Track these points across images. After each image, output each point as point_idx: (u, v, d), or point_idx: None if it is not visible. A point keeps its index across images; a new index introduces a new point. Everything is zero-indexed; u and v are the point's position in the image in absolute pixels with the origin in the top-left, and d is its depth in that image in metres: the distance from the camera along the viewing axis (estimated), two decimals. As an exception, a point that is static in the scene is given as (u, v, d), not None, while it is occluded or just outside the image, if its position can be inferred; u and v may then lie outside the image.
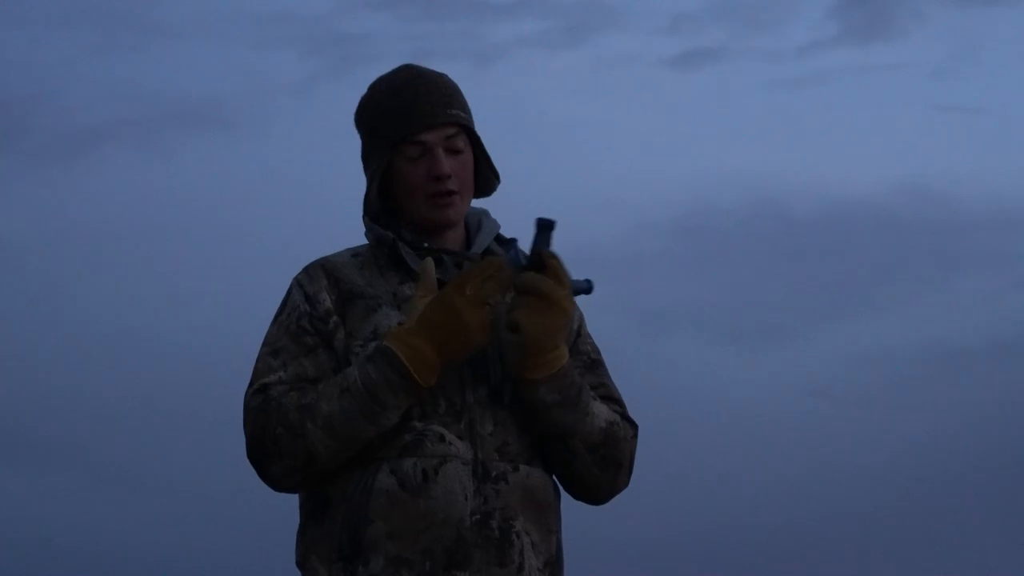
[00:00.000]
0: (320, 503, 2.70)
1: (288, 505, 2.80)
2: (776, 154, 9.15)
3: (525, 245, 2.69)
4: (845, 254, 9.03)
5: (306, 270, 2.80)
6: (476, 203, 2.85)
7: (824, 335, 8.74)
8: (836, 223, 9.06)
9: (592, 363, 2.84)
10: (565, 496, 2.81)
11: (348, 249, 2.83)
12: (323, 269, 2.78)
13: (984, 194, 8.98)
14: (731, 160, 9.13)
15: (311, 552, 2.70)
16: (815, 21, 9.86)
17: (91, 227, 8.57)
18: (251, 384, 2.72)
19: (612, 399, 2.82)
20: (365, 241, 2.84)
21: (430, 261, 2.71)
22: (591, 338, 2.87)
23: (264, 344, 2.75)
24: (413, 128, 2.75)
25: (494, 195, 2.88)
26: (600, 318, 2.90)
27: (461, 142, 2.78)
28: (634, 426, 2.82)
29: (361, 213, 2.82)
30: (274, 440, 2.65)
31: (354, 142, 2.86)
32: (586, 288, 2.70)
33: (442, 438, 2.67)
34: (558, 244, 2.68)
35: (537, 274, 2.64)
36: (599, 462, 2.75)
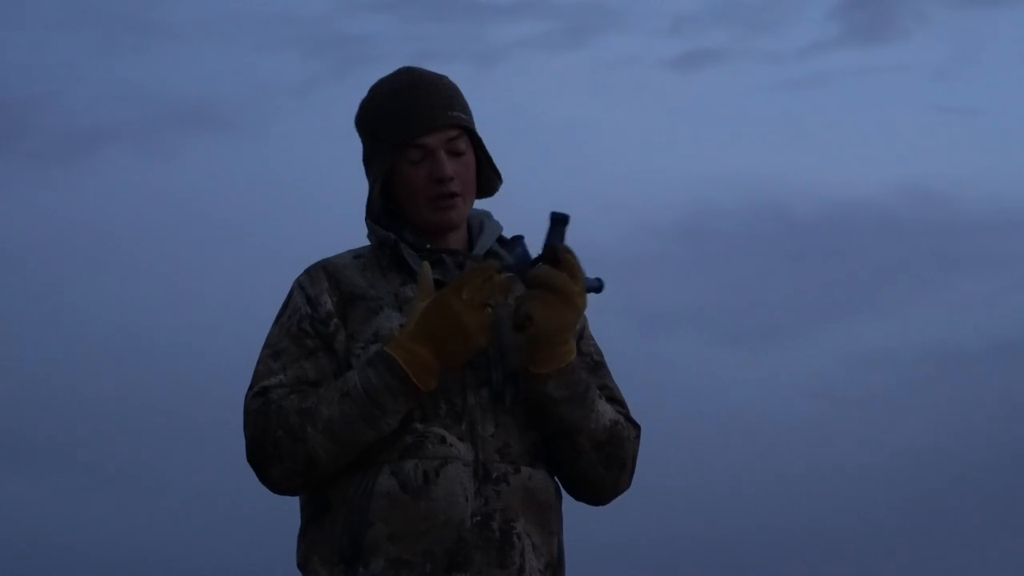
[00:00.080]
0: (321, 505, 2.70)
1: (289, 506, 2.80)
2: (777, 155, 9.15)
3: (538, 240, 2.69)
4: (846, 255, 9.03)
5: (307, 272, 2.79)
6: (478, 204, 2.85)
7: (825, 336, 8.74)
8: (837, 224, 9.06)
9: (595, 365, 2.83)
10: (566, 498, 2.81)
11: (350, 251, 2.83)
12: (324, 271, 2.78)
13: (985, 195, 8.98)
14: (732, 161, 9.12)
15: (312, 554, 2.69)
16: (816, 22, 9.86)
17: (91, 228, 8.57)
18: (251, 386, 2.71)
19: (615, 400, 2.82)
20: (366, 242, 2.84)
21: (427, 265, 2.71)
22: (593, 340, 2.87)
23: (265, 346, 2.75)
24: (414, 132, 2.75)
25: (496, 196, 2.88)
26: (601, 319, 2.90)
27: (463, 144, 2.78)
28: (636, 427, 2.82)
29: (363, 215, 2.82)
30: (274, 443, 2.65)
31: (355, 143, 2.86)
32: (597, 286, 2.70)
33: (443, 440, 2.66)
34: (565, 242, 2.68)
35: (551, 268, 2.64)
36: (603, 460, 2.75)
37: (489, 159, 2.83)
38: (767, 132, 9.18)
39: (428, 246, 2.78)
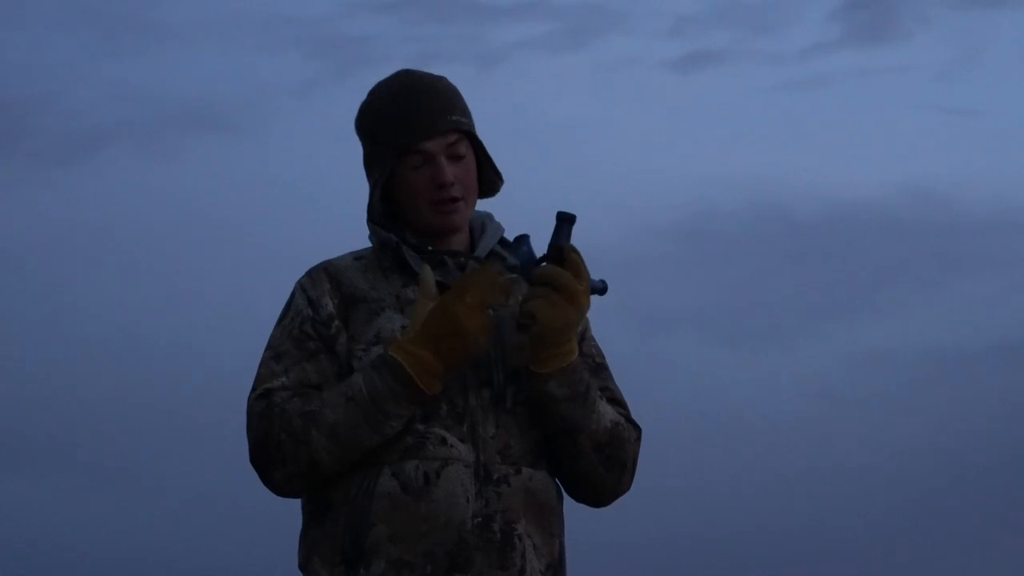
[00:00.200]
0: (322, 506, 2.70)
1: (289, 507, 2.80)
2: (778, 157, 9.14)
3: (543, 239, 2.69)
4: (847, 256, 9.03)
5: (309, 274, 2.79)
6: (480, 205, 2.85)
7: (825, 337, 8.74)
8: (838, 225, 9.06)
9: (596, 367, 2.83)
10: (567, 499, 2.81)
11: (351, 252, 2.83)
12: (326, 273, 2.78)
13: (987, 196, 8.98)
14: (733, 163, 9.12)
15: (313, 555, 2.69)
16: (818, 24, 9.84)
17: (92, 228, 8.57)
18: (254, 388, 2.71)
19: (616, 402, 2.82)
20: (367, 243, 2.84)
21: (428, 268, 2.71)
22: (595, 342, 2.87)
23: (267, 348, 2.75)
24: (414, 137, 2.75)
25: (497, 196, 2.88)
26: (602, 320, 2.90)
27: (463, 148, 2.78)
28: (638, 429, 2.82)
29: (363, 216, 2.82)
30: (277, 446, 2.65)
31: (355, 144, 2.86)
32: (601, 288, 2.70)
33: (444, 441, 2.66)
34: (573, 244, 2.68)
35: (556, 267, 2.64)
36: (604, 461, 2.75)
37: (490, 160, 2.83)
38: (768, 133, 9.18)
39: (429, 248, 2.78)
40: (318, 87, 9.01)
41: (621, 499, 2.83)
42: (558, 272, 2.64)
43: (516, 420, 2.71)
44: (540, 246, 2.70)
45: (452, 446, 2.66)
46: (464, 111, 2.80)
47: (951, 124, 9.28)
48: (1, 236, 8.49)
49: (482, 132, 2.81)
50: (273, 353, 2.74)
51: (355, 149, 2.86)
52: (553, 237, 2.67)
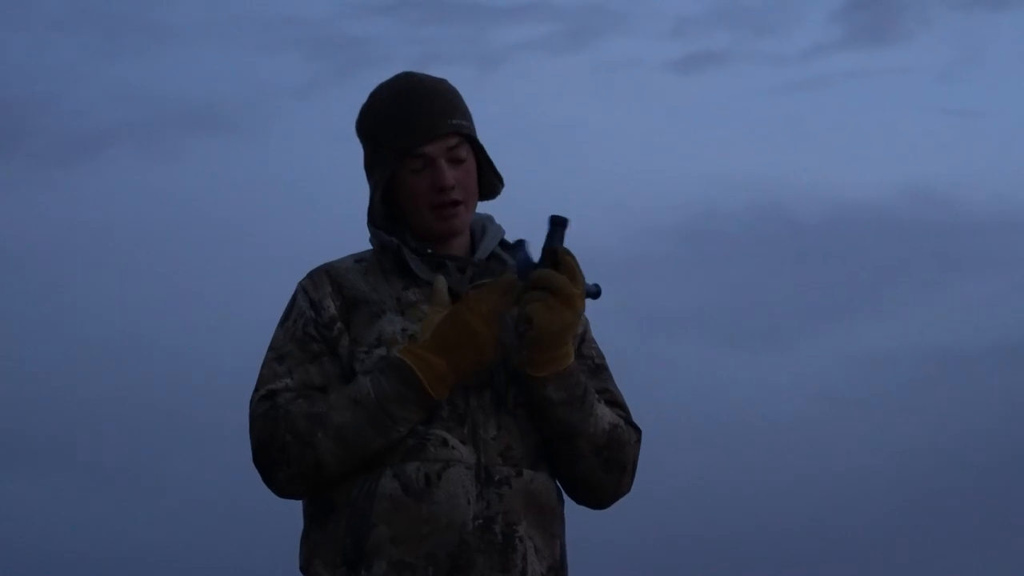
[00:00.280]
0: (324, 507, 2.70)
1: (289, 507, 2.79)
2: (779, 157, 9.14)
3: (537, 243, 2.69)
4: (848, 257, 9.02)
5: (310, 276, 2.79)
6: (481, 207, 2.85)
7: (826, 337, 8.73)
8: (839, 226, 9.05)
9: (596, 368, 2.83)
10: (568, 501, 2.81)
11: (351, 255, 2.83)
12: (328, 275, 2.78)
13: (988, 197, 8.98)
14: (734, 163, 9.12)
15: (315, 557, 2.69)
16: (819, 24, 9.84)
17: (92, 229, 8.57)
18: (257, 390, 2.71)
19: (616, 404, 2.82)
20: (367, 245, 2.84)
21: (442, 279, 2.71)
22: (595, 343, 2.87)
23: (270, 349, 2.75)
24: (414, 141, 2.75)
25: (498, 199, 2.88)
26: (602, 320, 2.90)
27: (463, 151, 2.78)
28: (637, 431, 2.82)
29: (364, 217, 2.82)
30: (281, 448, 2.65)
31: (356, 146, 2.86)
32: (595, 292, 2.70)
33: (445, 442, 2.66)
34: (565, 245, 2.67)
35: (551, 270, 2.64)
36: (603, 464, 2.75)
37: (490, 163, 2.83)
38: (769, 134, 9.18)
39: (429, 251, 2.78)
40: (318, 88, 9.01)
41: (624, 500, 2.83)
42: (553, 276, 2.64)
43: (517, 422, 2.71)
44: (536, 251, 2.70)
45: (453, 448, 2.66)
46: (465, 114, 2.80)
47: (952, 125, 9.28)
48: (2, 236, 8.49)
49: (482, 133, 2.81)
50: (276, 354, 2.74)
51: (355, 150, 2.86)
52: (547, 241, 2.67)
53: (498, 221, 2.87)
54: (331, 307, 2.75)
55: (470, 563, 2.63)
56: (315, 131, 8.73)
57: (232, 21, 9.27)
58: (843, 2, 9.68)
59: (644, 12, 9.60)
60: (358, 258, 2.82)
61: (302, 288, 2.79)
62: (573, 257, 2.67)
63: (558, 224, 2.67)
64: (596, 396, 2.75)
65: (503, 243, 2.85)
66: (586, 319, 2.85)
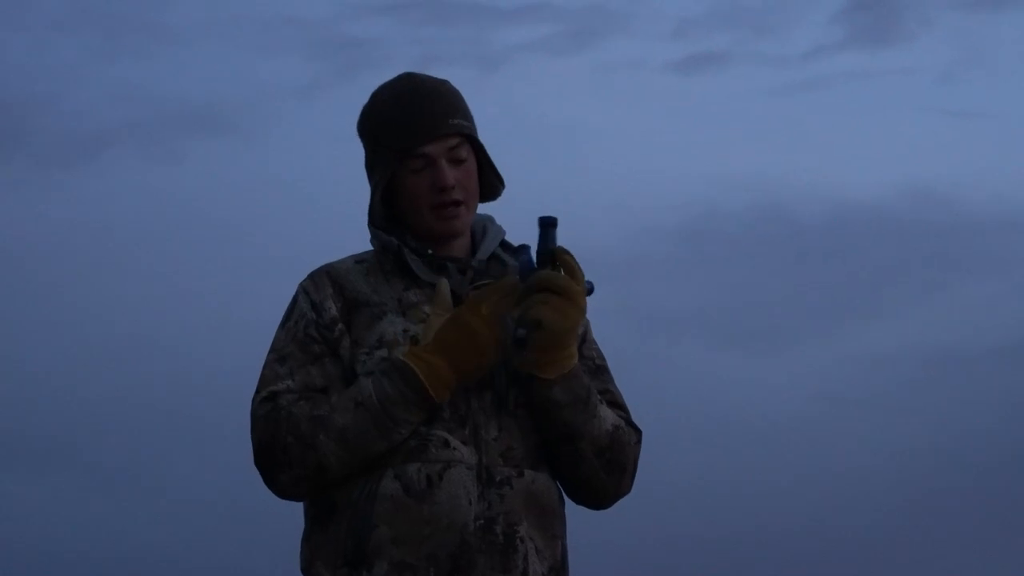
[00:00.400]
0: (325, 508, 2.70)
1: (291, 509, 2.79)
2: (780, 158, 9.14)
3: (532, 248, 2.69)
4: (848, 257, 9.03)
5: (311, 277, 2.79)
6: (481, 208, 2.85)
7: (827, 338, 8.74)
8: (840, 227, 9.06)
9: (597, 369, 2.84)
10: (569, 501, 2.81)
11: (352, 256, 2.83)
12: (329, 276, 2.78)
13: (989, 198, 8.98)
14: (735, 164, 9.12)
15: (316, 558, 2.69)
16: (820, 25, 9.84)
17: (93, 229, 8.57)
18: (258, 391, 2.72)
19: (616, 405, 2.82)
20: (368, 246, 2.84)
21: (445, 281, 2.72)
22: (596, 344, 2.87)
23: (271, 350, 2.75)
24: (415, 141, 2.75)
25: (499, 200, 2.88)
26: (602, 320, 2.90)
27: (464, 151, 2.78)
28: (638, 432, 2.83)
29: (365, 218, 2.82)
30: (284, 449, 2.65)
31: (357, 146, 2.86)
32: (588, 290, 2.70)
33: (446, 443, 2.66)
34: (562, 246, 2.68)
35: (551, 271, 2.64)
36: (605, 466, 2.75)
37: (491, 164, 2.83)
38: (769, 134, 9.18)
39: (430, 252, 2.78)
40: (319, 89, 9.02)
41: (625, 501, 2.84)
42: (554, 276, 2.65)
43: (518, 423, 2.71)
44: (534, 255, 2.70)
45: (455, 448, 2.66)
46: (466, 115, 2.80)
47: (952, 126, 9.29)
48: (2, 237, 8.50)
49: (483, 134, 2.81)
50: (277, 356, 2.74)
51: (355, 151, 2.86)
52: (540, 243, 2.67)
53: (499, 222, 2.87)
54: (332, 308, 2.75)
55: (471, 564, 2.63)
56: (315, 131, 8.73)
57: (232, 21, 9.27)
58: (844, 3, 9.69)
59: (645, 13, 9.60)
60: (359, 259, 2.82)
61: (303, 289, 2.79)
62: (571, 256, 2.67)
63: (548, 224, 2.68)
64: (599, 397, 2.76)
65: (505, 244, 2.85)
66: (587, 319, 2.85)
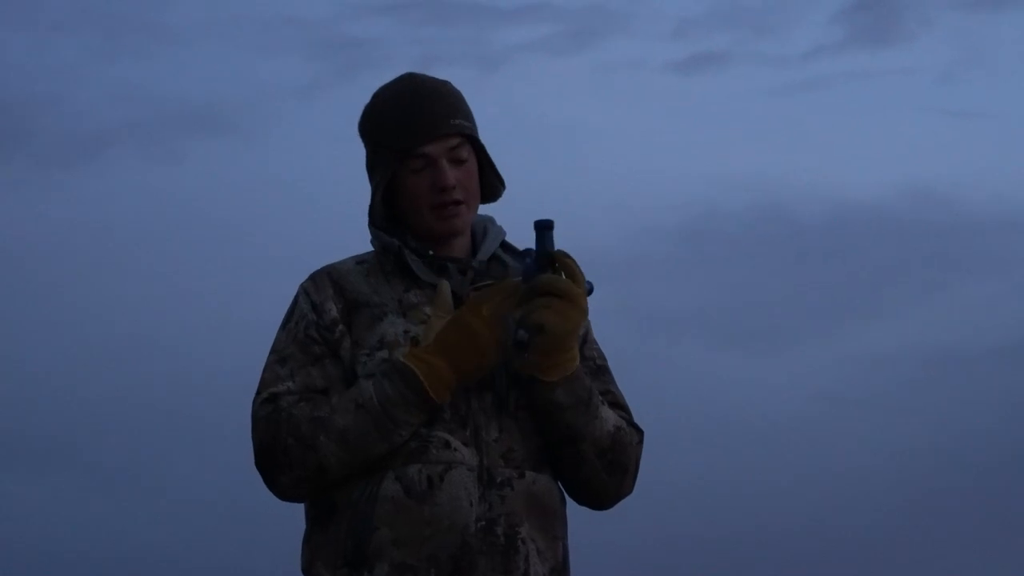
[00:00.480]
0: (325, 509, 2.70)
1: (291, 509, 2.79)
2: (780, 158, 9.15)
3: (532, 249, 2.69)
4: (848, 257, 9.03)
5: (312, 278, 2.79)
6: (482, 209, 2.85)
7: (826, 338, 8.74)
8: (839, 226, 9.06)
9: (598, 369, 2.84)
10: (571, 502, 2.81)
11: (352, 256, 2.83)
12: (329, 277, 2.78)
13: (989, 198, 8.98)
14: (735, 164, 9.12)
15: (316, 559, 2.70)
16: (820, 26, 9.84)
17: (93, 229, 8.57)
18: (259, 392, 2.72)
19: (618, 405, 2.82)
20: (368, 246, 2.84)
21: (446, 283, 2.72)
22: (597, 344, 2.87)
23: (272, 352, 2.75)
24: (416, 141, 2.75)
25: (499, 200, 2.87)
26: (602, 321, 2.90)
27: (465, 151, 2.78)
28: (639, 432, 2.83)
29: (365, 218, 2.82)
30: (284, 450, 2.65)
31: (357, 146, 2.86)
32: (588, 290, 2.70)
33: (447, 444, 2.66)
34: (562, 246, 2.68)
35: (552, 275, 2.65)
36: (607, 467, 2.75)
37: (492, 165, 2.83)
38: (771, 135, 9.19)
39: (430, 252, 2.78)
40: (319, 89, 9.02)
41: (626, 502, 2.83)
42: (559, 280, 2.65)
43: (519, 424, 2.71)
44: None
45: (455, 450, 2.66)
46: (467, 115, 2.80)
47: (952, 126, 9.29)
48: (3, 237, 8.50)
49: (483, 134, 2.81)
50: (278, 357, 2.74)
51: (356, 151, 2.86)
52: (538, 247, 2.67)
53: (499, 223, 2.87)
54: (333, 309, 2.75)
55: (472, 565, 2.63)
56: (315, 132, 8.74)
57: (232, 21, 9.27)
58: (844, 3, 9.69)
59: (645, 13, 9.60)
60: (359, 260, 2.82)
61: (303, 290, 2.79)
62: (571, 258, 2.67)
63: (545, 227, 2.67)
64: (600, 399, 2.76)
65: (505, 245, 2.85)
66: (588, 320, 2.85)
